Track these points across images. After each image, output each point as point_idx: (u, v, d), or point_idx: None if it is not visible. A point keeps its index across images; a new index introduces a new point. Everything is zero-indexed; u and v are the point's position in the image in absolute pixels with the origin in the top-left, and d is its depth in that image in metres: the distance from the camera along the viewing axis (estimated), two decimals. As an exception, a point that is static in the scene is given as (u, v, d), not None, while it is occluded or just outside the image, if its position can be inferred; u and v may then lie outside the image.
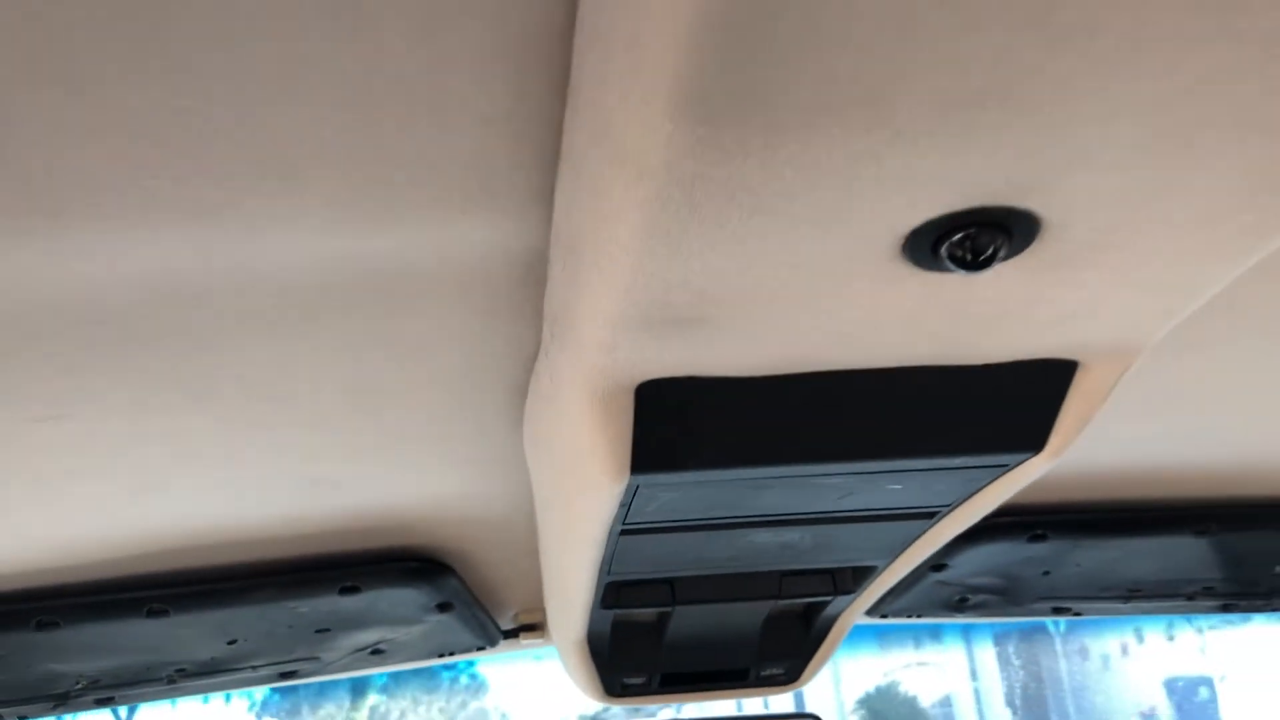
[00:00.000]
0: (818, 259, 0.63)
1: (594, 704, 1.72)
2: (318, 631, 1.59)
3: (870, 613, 1.69)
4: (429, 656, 1.80)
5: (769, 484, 0.93)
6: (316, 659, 1.71)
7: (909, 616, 1.76)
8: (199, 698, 1.90)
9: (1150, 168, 0.56)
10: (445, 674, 7.59)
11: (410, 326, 0.87)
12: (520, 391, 1.01)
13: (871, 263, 0.64)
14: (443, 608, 1.55)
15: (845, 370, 0.80)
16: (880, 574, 1.27)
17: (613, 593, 1.25)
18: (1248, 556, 1.62)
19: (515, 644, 1.82)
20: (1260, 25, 0.45)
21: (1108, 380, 0.84)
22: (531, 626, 1.78)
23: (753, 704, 2.03)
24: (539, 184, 0.69)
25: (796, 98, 0.48)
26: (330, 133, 0.61)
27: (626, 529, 1.01)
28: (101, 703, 1.68)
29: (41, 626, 1.39)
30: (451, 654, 1.80)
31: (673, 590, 1.27)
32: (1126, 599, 1.73)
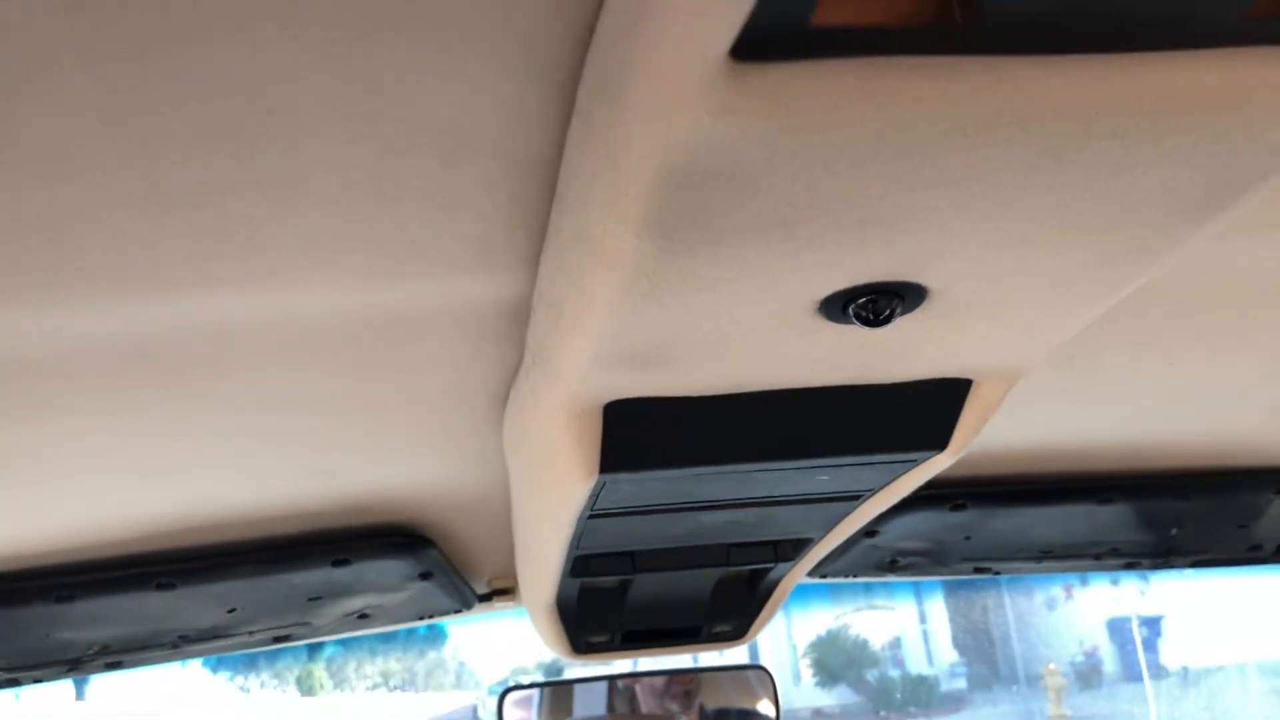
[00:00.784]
0: (751, 319, 0.79)
1: (549, 654, 1.86)
2: (310, 600, 1.72)
3: (811, 574, 1.85)
4: (411, 619, 1.95)
5: (715, 477, 1.09)
6: (308, 624, 1.86)
7: (846, 577, 1.93)
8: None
9: (1001, 259, 0.72)
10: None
11: (408, 351, 1.02)
12: (499, 399, 1.16)
13: (794, 321, 0.80)
14: (424, 576, 1.70)
15: (777, 390, 0.97)
16: (817, 544, 1.41)
17: (580, 564, 1.38)
18: (1146, 522, 1.77)
19: (489, 606, 1.97)
20: (1064, 178, 0.61)
21: (998, 394, 1.00)
22: (504, 590, 1.93)
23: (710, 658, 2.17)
24: (527, 253, 0.84)
25: (731, 222, 0.64)
26: (357, 221, 0.76)
27: (594, 515, 1.16)
28: (110, 666, 1.82)
29: (60, 600, 1.51)
30: (431, 616, 1.95)
31: (633, 561, 1.41)
32: (1040, 559, 1.89)
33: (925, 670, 16.49)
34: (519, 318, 0.96)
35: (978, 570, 1.94)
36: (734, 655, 2.09)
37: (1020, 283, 0.76)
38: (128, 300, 0.83)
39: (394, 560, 1.62)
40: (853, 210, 0.63)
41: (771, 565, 1.49)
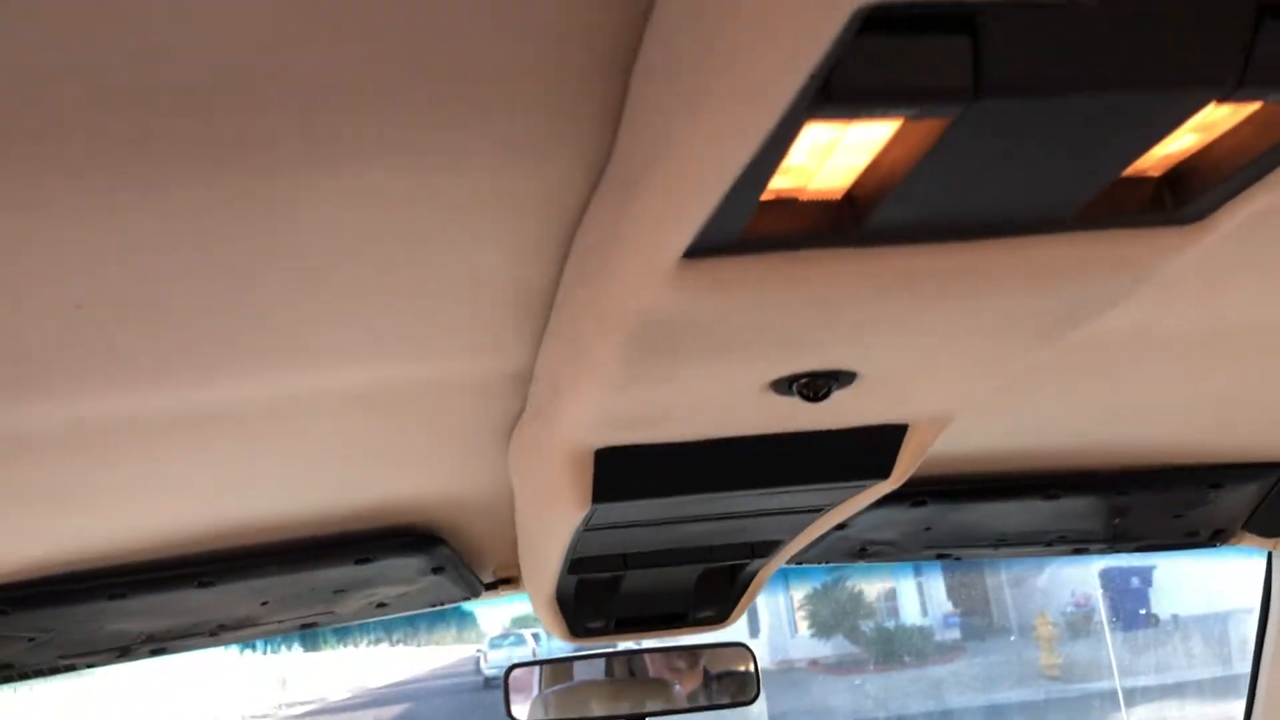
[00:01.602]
0: (715, 395, 0.97)
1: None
2: (335, 592, 1.91)
3: (788, 562, 2.05)
4: (424, 607, 2.15)
5: (695, 501, 1.27)
6: (332, 613, 2.05)
7: (819, 563, 2.13)
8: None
9: (911, 356, 0.89)
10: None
11: (426, 401, 1.20)
12: (504, 433, 1.34)
13: (749, 396, 0.97)
14: (436, 570, 1.88)
15: (741, 436, 1.14)
16: (789, 544, 1.60)
17: (577, 564, 1.55)
18: (1090, 513, 1.95)
19: (494, 593, 2.17)
20: (943, 314, 0.79)
21: (932, 434, 1.17)
22: (508, 580, 2.13)
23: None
24: (531, 340, 1.02)
25: (690, 350, 0.81)
26: (400, 320, 0.95)
27: (588, 529, 1.35)
28: (155, 653, 2.01)
29: (113, 597, 1.68)
30: (442, 604, 2.15)
31: (625, 560, 1.57)
32: (996, 546, 2.07)
33: (920, 621, 16.80)
34: (523, 379, 1.14)
35: (940, 556, 2.13)
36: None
37: (934, 365, 0.94)
38: (199, 381, 1.01)
39: (410, 557, 1.80)
40: (785, 340, 0.81)
41: (749, 561, 1.67)
